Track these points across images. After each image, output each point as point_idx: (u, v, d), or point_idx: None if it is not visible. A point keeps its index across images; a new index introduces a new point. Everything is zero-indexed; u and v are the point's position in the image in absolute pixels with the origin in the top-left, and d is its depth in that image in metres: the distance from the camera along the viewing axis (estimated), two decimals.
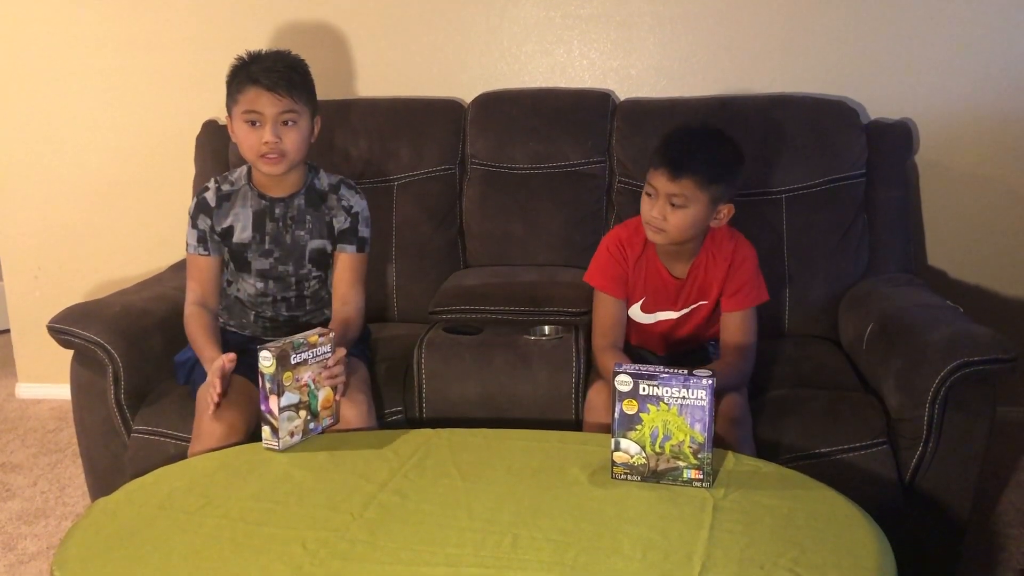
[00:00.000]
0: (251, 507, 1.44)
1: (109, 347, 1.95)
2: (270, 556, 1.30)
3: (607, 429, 1.82)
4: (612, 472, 1.51)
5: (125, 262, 2.83)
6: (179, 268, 2.47)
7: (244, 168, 1.99)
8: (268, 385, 1.60)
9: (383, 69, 2.66)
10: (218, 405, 1.72)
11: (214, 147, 2.54)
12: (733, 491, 1.45)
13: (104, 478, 2.04)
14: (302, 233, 1.97)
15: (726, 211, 1.87)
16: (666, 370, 1.47)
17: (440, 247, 2.46)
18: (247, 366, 1.75)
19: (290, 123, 1.87)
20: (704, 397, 1.45)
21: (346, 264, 1.99)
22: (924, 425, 1.77)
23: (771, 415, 1.88)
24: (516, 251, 2.42)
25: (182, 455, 1.76)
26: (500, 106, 2.51)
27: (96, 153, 2.83)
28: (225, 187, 1.97)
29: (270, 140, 1.85)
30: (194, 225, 1.96)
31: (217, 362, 1.75)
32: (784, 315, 2.29)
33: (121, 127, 2.80)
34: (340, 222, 1.99)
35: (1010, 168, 2.54)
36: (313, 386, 1.67)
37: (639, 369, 1.48)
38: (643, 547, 1.29)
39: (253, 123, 1.86)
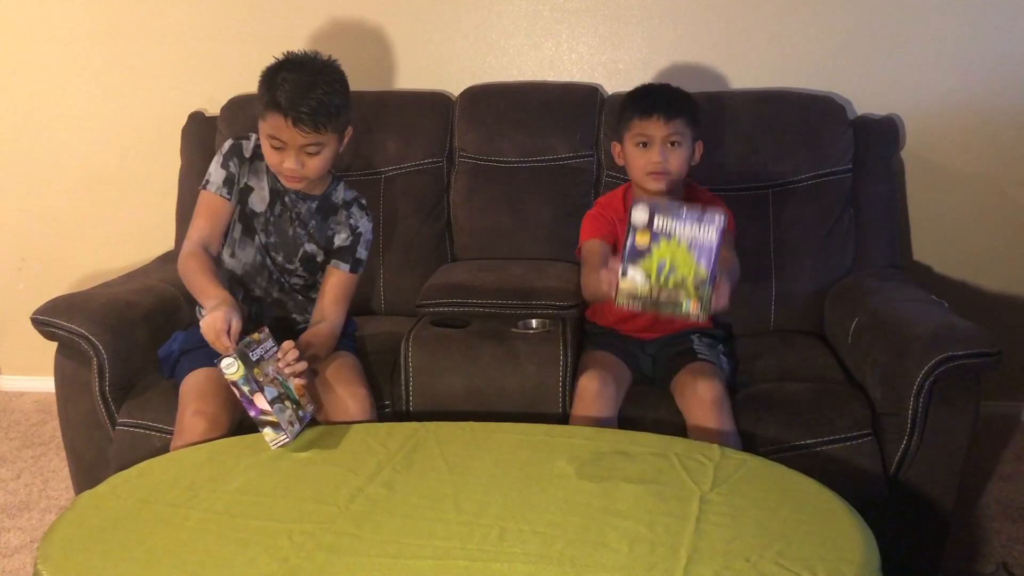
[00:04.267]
0: (237, 500, 1.43)
1: (94, 339, 1.94)
2: (256, 549, 1.30)
3: (593, 422, 1.84)
4: (616, 299, 1.57)
5: (110, 254, 2.82)
6: (165, 260, 2.46)
7: None
8: (246, 388, 1.57)
9: (371, 62, 2.65)
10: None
11: (200, 138, 2.53)
12: (719, 484, 1.45)
13: (88, 471, 2.03)
14: (302, 232, 1.95)
15: (699, 148, 2.04)
16: (681, 205, 1.55)
17: (428, 240, 2.45)
18: None
19: (314, 152, 1.81)
20: (713, 236, 1.52)
21: (335, 281, 1.97)
22: (908, 419, 1.78)
23: (756, 407, 1.89)
24: (504, 244, 2.42)
25: (167, 448, 1.76)
26: (488, 99, 2.50)
27: (81, 144, 2.81)
28: (260, 150, 1.89)
29: (291, 167, 1.80)
30: (224, 165, 1.88)
31: (219, 323, 1.63)
32: (770, 310, 2.30)
33: (107, 118, 2.77)
34: (341, 239, 1.97)
35: (995, 163, 2.55)
36: (280, 378, 1.66)
37: (656, 203, 1.55)
38: (629, 540, 1.30)
39: (276, 147, 1.80)
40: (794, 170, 2.33)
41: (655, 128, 1.94)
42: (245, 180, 1.90)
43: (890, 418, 1.82)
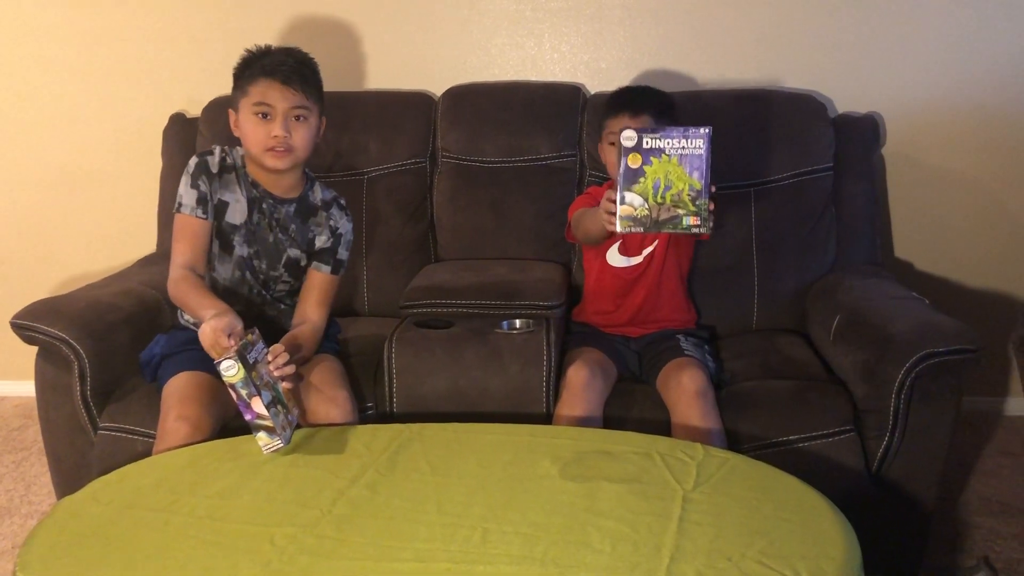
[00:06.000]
0: (219, 504, 1.42)
1: (74, 343, 1.92)
2: (238, 553, 1.29)
3: (578, 420, 1.84)
4: (617, 226, 1.64)
5: (91, 257, 2.80)
6: (147, 263, 2.44)
7: (241, 152, 1.92)
8: (244, 392, 1.55)
9: (353, 62, 2.64)
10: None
11: (181, 140, 2.51)
12: (702, 483, 1.45)
13: (70, 476, 2.01)
14: (283, 237, 1.94)
15: None
16: (665, 126, 1.62)
17: (411, 241, 2.45)
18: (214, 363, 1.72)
19: (300, 118, 1.83)
20: (702, 146, 1.59)
21: (316, 284, 1.96)
22: (890, 415, 1.79)
23: (738, 404, 1.89)
24: (487, 245, 2.41)
25: (149, 452, 1.74)
26: (471, 99, 2.50)
27: (62, 146, 2.79)
28: (229, 160, 1.90)
29: (279, 134, 1.81)
30: (194, 185, 1.86)
31: (222, 326, 1.63)
32: (752, 308, 2.31)
33: (88, 119, 2.76)
34: (322, 240, 1.96)
35: (975, 161, 2.57)
36: (271, 381, 1.65)
37: (642, 127, 1.62)
38: (612, 540, 1.30)
39: (263, 115, 1.82)
40: (775, 168, 2.34)
41: (622, 124, 1.94)
42: (218, 196, 1.89)
43: (872, 415, 1.83)
